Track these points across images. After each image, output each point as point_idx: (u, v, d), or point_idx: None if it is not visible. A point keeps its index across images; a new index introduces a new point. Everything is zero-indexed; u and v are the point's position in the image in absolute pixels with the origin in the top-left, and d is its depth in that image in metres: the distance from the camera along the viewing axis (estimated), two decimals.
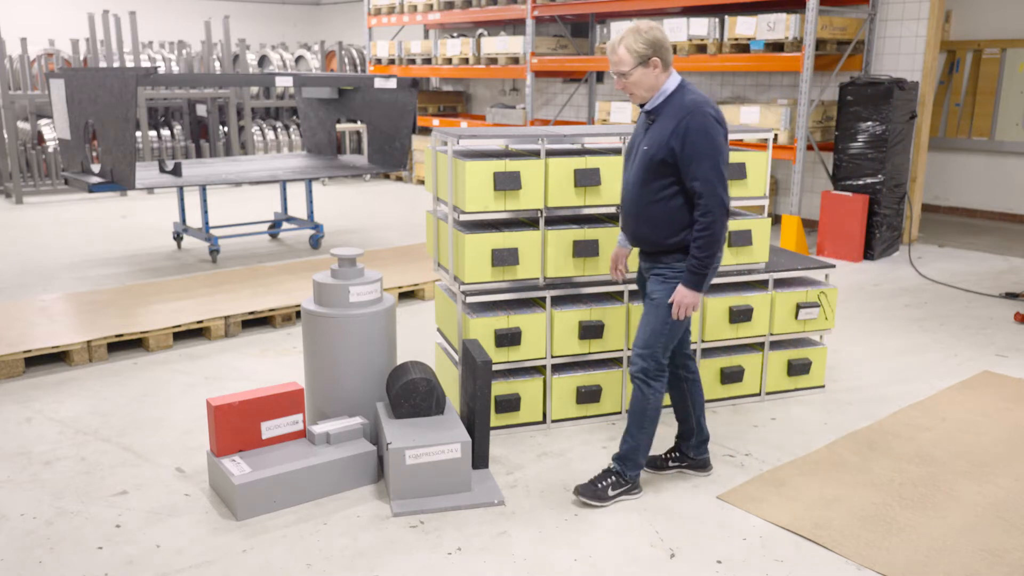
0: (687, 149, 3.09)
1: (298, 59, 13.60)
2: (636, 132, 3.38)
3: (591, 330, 4.04)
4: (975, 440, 4.00)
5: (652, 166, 3.19)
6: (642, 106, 3.28)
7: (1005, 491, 3.52)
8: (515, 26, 12.26)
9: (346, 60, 13.69)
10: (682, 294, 3.20)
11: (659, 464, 3.67)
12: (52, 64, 11.53)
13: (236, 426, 3.44)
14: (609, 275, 4.09)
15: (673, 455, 3.67)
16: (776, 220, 9.04)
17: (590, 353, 4.10)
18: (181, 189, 7.84)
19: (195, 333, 5.49)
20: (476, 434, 3.58)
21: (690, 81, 3.25)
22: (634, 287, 4.16)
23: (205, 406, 4.34)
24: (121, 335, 5.10)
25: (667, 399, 3.64)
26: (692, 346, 4.27)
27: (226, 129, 12.23)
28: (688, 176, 3.12)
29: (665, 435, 3.84)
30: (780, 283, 4.52)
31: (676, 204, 3.20)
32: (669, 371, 3.49)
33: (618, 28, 9.34)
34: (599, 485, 3.38)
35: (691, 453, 3.65)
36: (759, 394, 4.47)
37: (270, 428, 3.51)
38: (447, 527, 3.23)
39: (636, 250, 3.62)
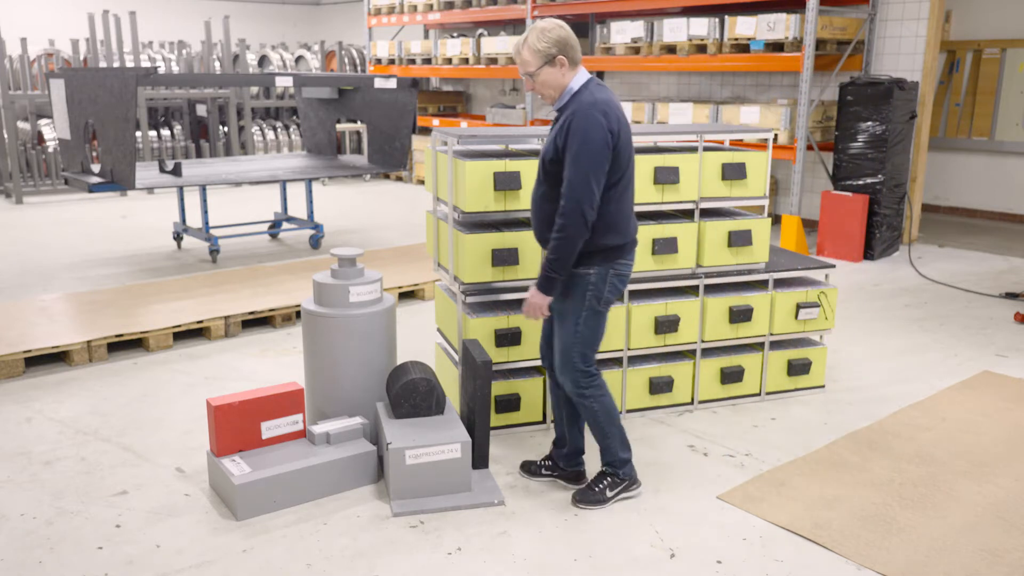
0: (565, 150, 3.02)
1: (298, 59, 13.60)
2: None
3: None
4: (975, 440, 4.00)
5: (544, 166, 3.15)
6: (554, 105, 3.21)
7: (1005, 491, 3.52)
8: (515, 26, 12.26)
9: (346, 60, 13.69)
10: (530, 294, 3.15)
11: (532, 470, 3.61)
12: (52, 64, 11.53)
13: (236, 426, 3.44)
14: None
15: (546, 463, 3.61)
16: (776, 220, 9.05)
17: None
18: (181, 189, 7.84)
19: (195, 333, 5.49)
20: (476, 434, 3.58)
21: (601, 82, 3.17)
22: (635, 287, 4.16)
23: (205, 406, 4.34)
24: (121, 335, 5.10)
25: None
26: (691, 346, 4.28)
27: (226, 129, 12.23)
28: (565, 175, 3.05)
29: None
30: (780, 283, 4.52)
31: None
32: (550, 374, 3.49)
33: (618, 28, 9.34)
34: (596, 488, 3.37)
35: (562, 463, 3.56)
36: (759, 394, 4.47)
37: (270, 428, 3.51)
38: (447, 527, 3.23)
39: None
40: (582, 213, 3.00)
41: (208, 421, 3.47)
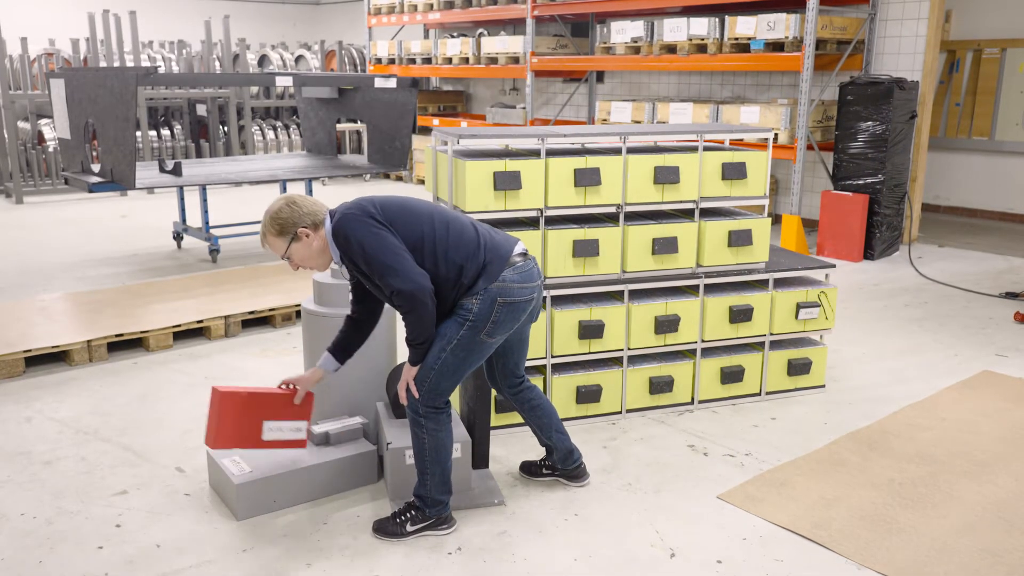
0: (358, 263, 2.92)
1: (298, 59, 13.60)
2: None
3: (591, 330, 4.04)
4: (975, 440, 4.00)
5: (368, 286, 3.05)
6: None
7: (1005, 491, 3.52)
8: (515, 26, 12.26)
9: (346, 60, 13.69)
10: (406, 370, 3.04)
11: (533, 470, 3.59)
12: (52, 64, 11.53)
13: (236, 419, 3.26)
14: (608, 275, 4.09)
15: (546, 463, 3.59)
16: (776, 220, 9.05)
17: (590, 353, 4.10)
18: (181, 189, 7.84)
19: (195, 333, 5.49)
20: (476, 434, 3.58)
21: (339, 206, 3.02)
22: (634, 286, 4.16)
23: (205, 406, 4.34)
24: (121, 335, 5.10)
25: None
26: (692, 346, 4.28)
27: (226, 129, 12.23)
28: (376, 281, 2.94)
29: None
30: (780, 283, 4.52)
31: (434, 287, 2.95)
32: (507, 400, 3.41)
33: (619, 28, 9.34)
34: (397, 520, 3.15)
35: (559, 465, 3.54)
36: (759, 394, 4.47)
37: (272, 430, 3.34)
38: None
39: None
40: (411, 292, 2.86)
41: (210, 408, 3.26)
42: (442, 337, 3.00)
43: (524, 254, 3.11)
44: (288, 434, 3.38)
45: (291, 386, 3.37)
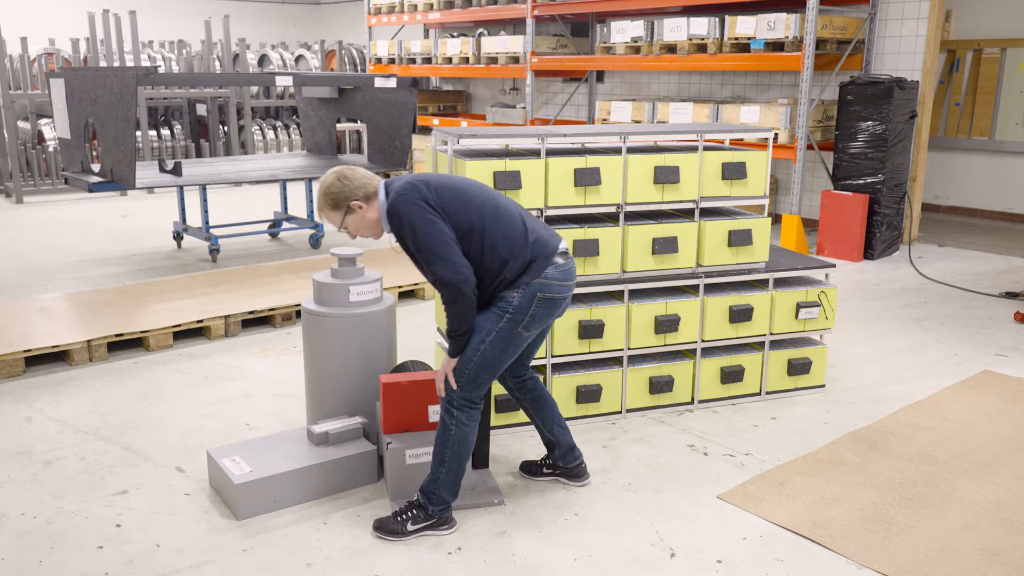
0: (409, 248, 3.00)
1: (298, 58, 13.60)
2: None
3: (591, 330, 4.04)
4: (975, 440, 4.00)
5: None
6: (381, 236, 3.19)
7: (1005, 491, 3.52)
8: (515, 25, 12.26)
9: (346, 59, 13.69)
10: (445, 361, 3.08)
11: (533, 470, 3.60)
12: (52, 63, 11.53)
13: (403, 405, 3.41)
14: (608, 275, 4.09)
15: (546, 462, 3.59)
16: (776, 219, 9.05)
17: (590, 353, 4.10)
18: (181, 189, 7.84)
19: (195, 333, 5.49)
20: (476, 434, 3.57)
21: (392, 181, 3.10)
22: (634, 286, 4.16)
23: (205, 406, 4.35)
24: (121, 335, 5.10)
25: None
26: (692, 345, 4.28)
27: (226, 129, 12.23)
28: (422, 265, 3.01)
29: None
30: (780, 282, 4.52)
31: (474, 265, 3.01)
32: (509, 393, 3.45)
33: (619, 27, 9.34)
34: (398, 519, 3.15)
35: (560, 462, 3.54)
36: (759, 393, 4.47)
37: (437, 412, 3.42)
38: None
39: None
40: (454, 280, 2.92)
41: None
42: (481, 329, 3.04)
43: (565, 252, 3.17)
44: None
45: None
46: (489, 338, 3.03)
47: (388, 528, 3.15)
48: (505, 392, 3.98)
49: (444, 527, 3.18)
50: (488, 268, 3.02)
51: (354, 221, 3.13)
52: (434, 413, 3.47)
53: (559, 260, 3.11)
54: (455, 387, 3.08)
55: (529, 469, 3.61)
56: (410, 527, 3.13)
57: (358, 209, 3.10)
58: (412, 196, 2.99)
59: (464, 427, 3.11)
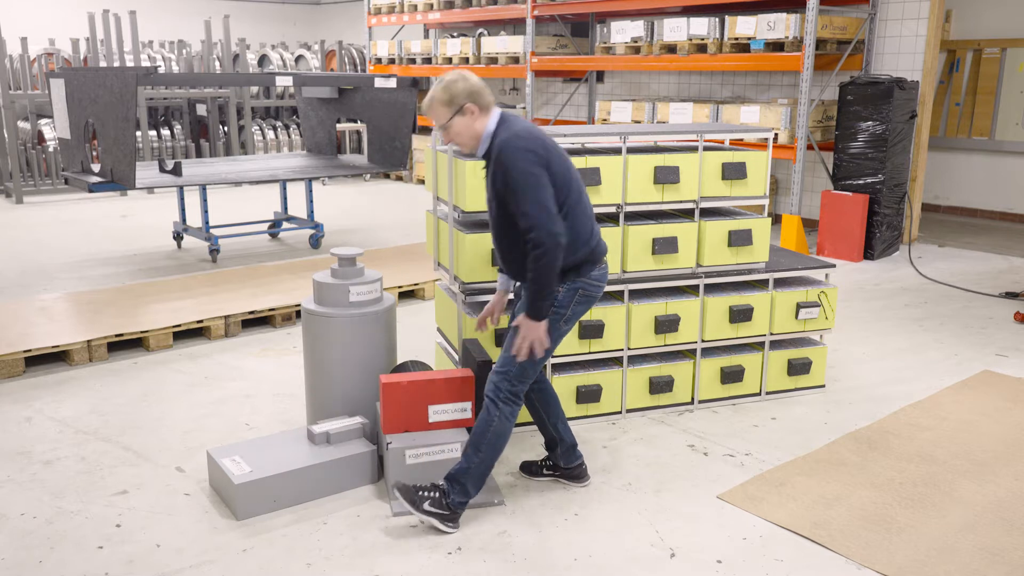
0: (506, 187, 3.00)
1: (298, 59, 13.60)
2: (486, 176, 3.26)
3: (591, 329, 4.04)
4: (975, 440, 4.00)
5: (498, 209, 3.13)
6: (476, 153, 3.19)
7: (1005, 491, 3.52)
8: (515, 26, 12.26)
9: (346, 60, 13.68)
10: (523, 325, 3.08)
11: (534, 470, 3.60)
12: (52, 63, 11.53)
13: (403, 405, 3.42)
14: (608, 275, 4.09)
15: (547, 463, 3.60)
16: (776, 220, 9.05)
17: (590, 353, 4.10)
18: (181, 189, 7.84)
19: (195, 333, 5.49)
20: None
21: (512, 114, 3.13)
22: (634, 286, 4.16)
23: (205, 406, 4.35)
24: (121, 335, 5.10)
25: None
26: (692, 346, 4.28)
27: (226, 129, 12.23)
28: (515, 213, 3.01)
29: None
30: (780, 283, 4.52)
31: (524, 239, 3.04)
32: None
33: (619, 28, 9.34)
34: (419, 492, 3.17)
35: (561, 462, 3.54)
36: (759, 393, 4.47)
37: (437, 412, 3.47)
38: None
39: (509, 300, 3.59)
40: (551, 234, 2.95)
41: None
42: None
43: (605, 255, 3.28)
44: (453, 415, 3.50)
45: (486, 322, 3.53)
46: (551, 336, 3.12)
47: (408, 495, 3.17)
48: None
49: (451, 523, 3.19)
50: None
51: (462, 124, 3.09)
52: (434, 413, 3.47)
53: (604, 263, 3.27)
54: (547, 346, 3.10)
55: (529, 469, 3.61)
56: (426, 506, 3.16)
57: (470, 114, 3.08)
58: (530, 143, 3.01)
59: (506, 421, 3.17)
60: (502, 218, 3.14)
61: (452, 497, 3.17)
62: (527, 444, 3.92)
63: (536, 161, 3.00)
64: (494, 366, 3.24)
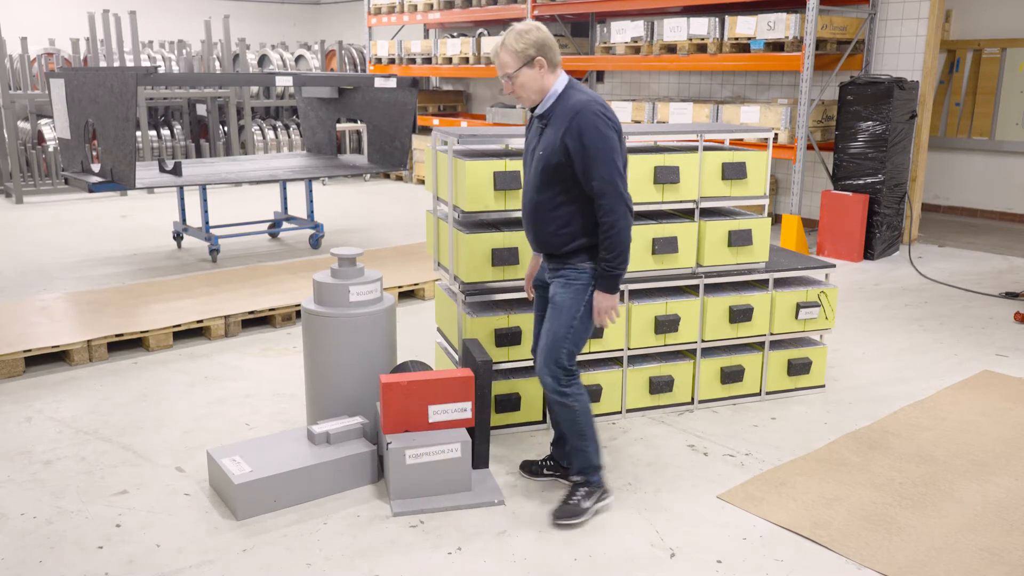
0: (581, 150, 3.00)
1: (298, 58, 13.60)
2: (529, 137, 3.26)
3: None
4: (975, 440, 4.00)
5: (548, 171, 3.10)
6: (532, 110, 3.19)
7: (1005, 491, 3.52)
8: None
9: (346, 60, 13.68)
10: (599, 299, 3.13)
11: (534, 470, 3.60)
12: (52, 63, 11.53)
13: (403, 405, 3.41)
14: None
15: (547, 463, 3.61)
16: (776, 220, 9.04)
17: (590, 352, 4.10)
18: (181, 189, 7.84)
19: (195, 333, 5.49)
20: (476, 434, 3.58)
21: (578, 81, 3.18)
22: (635, 286, 4.16)
23: (205, 406, 4.35)
24: (121, 335, 5.10)
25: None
26: (692, 345, 4.28)
27: (226, 129, 12.23)
28: (585, 177, 3.02)
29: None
30: (780, 283, 4.52)
31: (575, 208, 3.11)
32: None
33: (619, 27, 9.34)
34: (571, 501, 3.27)
35: (564, 462, 3.55)
36: (759, 393, 4.47)
37: (437, 412, 3.46)
38: (447, 527, 3.23)
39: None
40: (625, 203, 3.03)
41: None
42: (570, 307, 3.18)
43: None
44: (453, 415, 3.49)
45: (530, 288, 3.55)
46: (579, 314, 3.18)
47: (570, 513, 3.24)
48: (506, 392, 3.98)
49: (606, 496, 3.34)
50: (593, 224, 3.12)
51: (528, 76, 3.08)
52: (434, 413, 3.46)
53: None
54: (615, 318, 3.19)
55: (530, 469, 3.61)
56: (586, 504, 3.26)
57: (539, 68, 3.07)
58: (607, 111, 3.05)
59: (582, 397, 3.26)
60: (543, 181, 3.13)
61: (592, 478, 3.30)
62: (527, 444, 3.92)
63: (612, 127, 3.03)
64: (539, 360, 3.26)
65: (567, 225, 3.14)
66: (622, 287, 4.11)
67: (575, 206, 3.11)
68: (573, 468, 3.35)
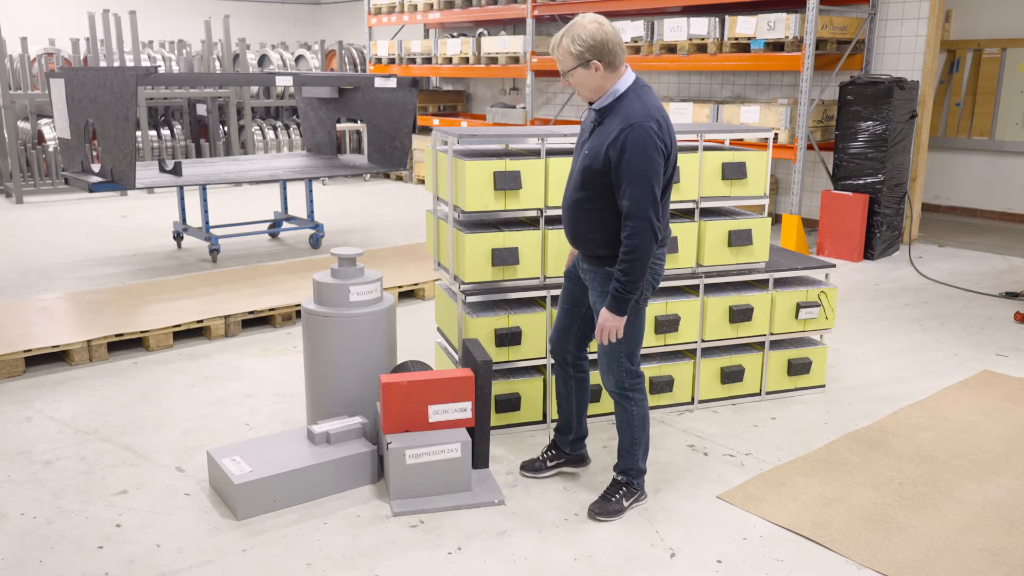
0: (621, 165, 2.94)
1: (298, 58, 13.60)
2: (583, 128, 3.20)
3: None
4: (975, 440, 4.00)
5: (588, 174, 3.07)
6: (591, 103, 3.14)
7: (1005, 491, 3.52)
8: (515, 25, 12.26)
9: (346, 59, 13.68)
10: (604, 316, 3.08)
11: (537, 467, 3.62)
12: (52, 63, 11.53)
13: (403, 405, 3.41)
14: None
15: (550, 453, 3.63)
16: (776, 219, 9.04)
17: (590, 353, 4.09)
18: (181, 189, 7.84)
19: (195, 333, 5.49)
20: (476, 434, 3.58)
21: (646, 83, 3.08)
22: None
23: (205, 406, 4.35)
24: (121, 335, 5.10)
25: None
26: (691, 345, 4.28)
27: (226, 129, 12.23)
28: (619, 193, 2.98)
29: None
30: (780, 283, 4.52)
31: (610, 215, 3.06)
32: (559, 365, 3.50)
33: (619, 27, 9.32)
34: (612, 499, 3.32)
35: (567, 448, 3.60)
36: (759, 393, 4.47)
37: (437, 412, 3.47)
38: (447, 527, 3.23)
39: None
40: (652, 229, 2.96)
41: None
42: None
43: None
44: (453, 415, 3.50)
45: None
46: (633, 319, 3.18)
47: (608, 510, 3.29)
48: (506, 392, 3.98)
49: (643, 499, 3.40)
50: None
51: (583, 76, 3.02)
52: (434, 413, 3.47)
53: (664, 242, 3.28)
54: (617, 337, 3.14)
55: (532, 466, 3.62)
56: (626, 503, 3.33)
57: (594, 69, 3.00)
58: (661, 133, 2.97)
59: (643, 402, 3.29)
60: (582, 182, 3.10)
61: (636, 481, 3.36)
62: (527, 444, 3.92)
63: (661, 150, 2.97)
64: (601, 370, 3.28)
65: (599, 229, 3.12)
66: None
67: (610, 213, 3.07)
68: (618, 467, 3.38)
